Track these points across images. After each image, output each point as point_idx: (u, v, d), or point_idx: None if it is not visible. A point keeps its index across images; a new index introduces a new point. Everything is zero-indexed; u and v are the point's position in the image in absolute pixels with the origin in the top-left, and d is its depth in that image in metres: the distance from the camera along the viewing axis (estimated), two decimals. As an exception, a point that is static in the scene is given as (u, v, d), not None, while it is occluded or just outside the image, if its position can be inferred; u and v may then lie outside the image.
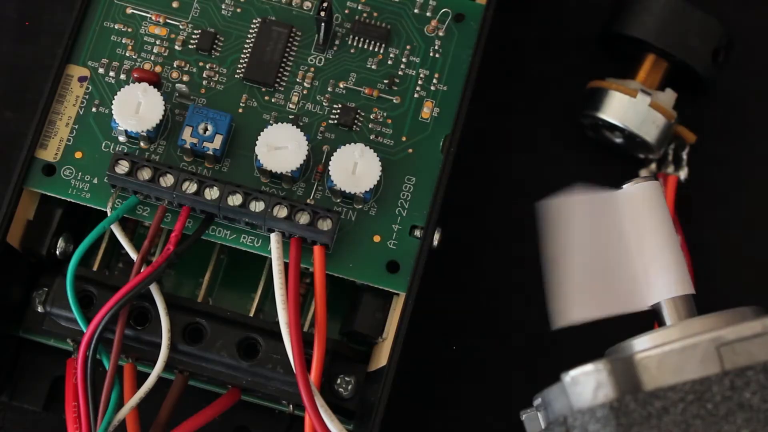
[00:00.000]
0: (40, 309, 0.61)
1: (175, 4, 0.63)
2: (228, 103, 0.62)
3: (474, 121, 0.65)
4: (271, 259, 0.59)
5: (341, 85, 0.62)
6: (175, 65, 0.62)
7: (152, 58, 0.62)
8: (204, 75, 0.62)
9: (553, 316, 0.54)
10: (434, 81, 0.62)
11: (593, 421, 0.49)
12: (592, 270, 0.54)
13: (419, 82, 0.62)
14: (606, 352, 0.54)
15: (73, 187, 0.60)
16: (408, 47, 0.63)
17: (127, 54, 0.62)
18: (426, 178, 0.61)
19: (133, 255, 0.59)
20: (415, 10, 0.63)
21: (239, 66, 0.62)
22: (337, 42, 0.63)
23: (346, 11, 0.63)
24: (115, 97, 0.60)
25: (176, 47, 0.62)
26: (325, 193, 0.61)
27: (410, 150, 0.61)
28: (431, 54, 0.63)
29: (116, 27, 0.63)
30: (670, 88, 0.68)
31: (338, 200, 0.60)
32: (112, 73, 0.62)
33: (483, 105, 0.67)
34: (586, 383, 0.49)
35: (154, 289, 0.59)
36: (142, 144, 0.61)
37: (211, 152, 0.60)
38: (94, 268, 0.62)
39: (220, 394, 0.62)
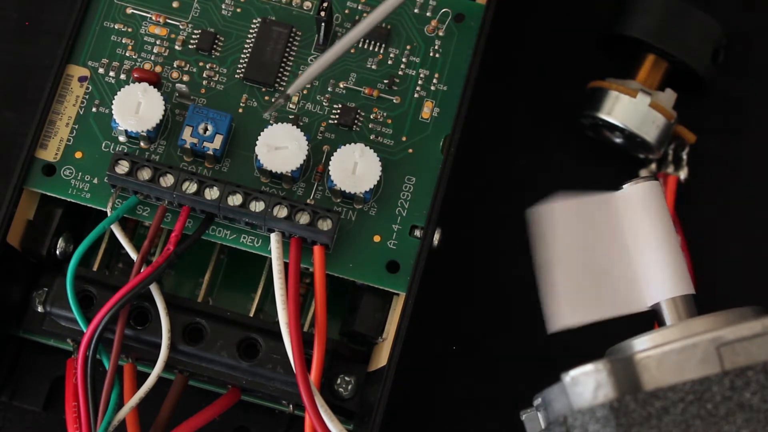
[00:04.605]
0: (40, 309, 0.61)
1: (175, 4, 0.63)
2: (228, 103, 0.62)
3: (474, 121, 0.65)
4: (271, 259, 0.59)
5: (341, 85, 0.62)
6: (175, 65, 0.62)
7: (152, 58, 0.62)
8: (204, 75, 0.62)
9: (547, 320, 0.54)
10: (434, 81, 0.62)
11: (593, 421, 0.49)
12: (587, 273, 0.54)
13: (419, 82, 0.62)
14: (606, 352, 0.54)
15: (73, 187, 0.60)
16: (408, 47, 0.63)
17: (127, 54, 0.62)
18: (426, 178, 0.61)
19: (133, 255, 0.59)
20: (415, 10, 0.63)
21: (239, 66, 0.62)
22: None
23: (346, 11, 0.63)
24: (115, 97, 0.60)
25: (176, 47, 0.62)
26: (325, 193, 0.61)
27: (410, 150, 0.61)
28: (431, 54, 0.63)
29: (116, 27, 0.63)
30: (670, 88, 0.68)
31: (338, 200, 0.60)
32: (112, 73, 0.62)
33: (483, 105, 0.67)
34: (586, 383, 0.49)
35: (154, 289, 0.59)
36: (142, 144, 0.61)
37: (211, 152, 0.60)
38: (94, 268, 0.62)
39: (220, 394, 0.62)
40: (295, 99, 0.62)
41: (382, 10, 0.59)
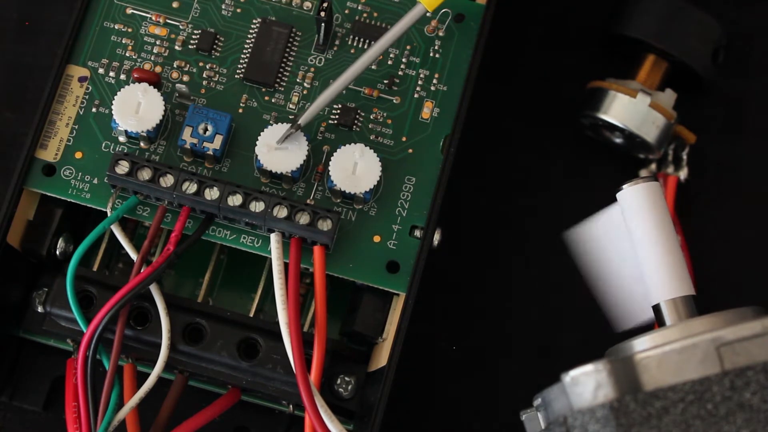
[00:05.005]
0: (40, 309, 0.61)
1: (175, 4, 0.63)
2: (228, 103, 0.62)
3: (474, 121, 0.65)
4: (271, 259, 0.59)
5: (341, 85, 0.62)
6: (175, 65, 0.62)
7: (152, 58, 0.62)
8: (204, 75, 0.62)
9: (612, 323, 0.55)
10: (434, 81, 0.62)
11: (593, 422, 0.49)
12: (615, 286, 0.55)
13: (419, 82, 0.62)
14: (606, 352, 0.54)
15: (73, 187, 0.60)
16: (408, 47, 0.63)
17: (127, 54, 0.62)
18: (426, 178, 0.61)
19: (133, 255, 0.59)
20: (415, 10, 0.63)
21: (239, 66, 0.62)
22: (337, 42, 0.63)
23: (346, 11, 0.63)
24: (115, 97, 0.60)
25: (176, 47, 0.62)
26: (325, 193, 0.61)
27: (410, 150, 0.61)
28: (431, 54, 0.63)
29: (116, 27, 0.63)
30: (670, 88, 0.68)
31: (338, 200, 0.60)
32: (112, 73, 0.62)
33: (483, 105, 0.67)
34: (586, 383, 0.49)
35: (154, 289, 0.59)
36: (142, 144, 0.61)
37: (211, 152, 0.60)
38: (94, 268, 0.62)
39: (220, 394, 0.62)
40: (295, 99, 0.62)
41: (390, 37, 0.60)
